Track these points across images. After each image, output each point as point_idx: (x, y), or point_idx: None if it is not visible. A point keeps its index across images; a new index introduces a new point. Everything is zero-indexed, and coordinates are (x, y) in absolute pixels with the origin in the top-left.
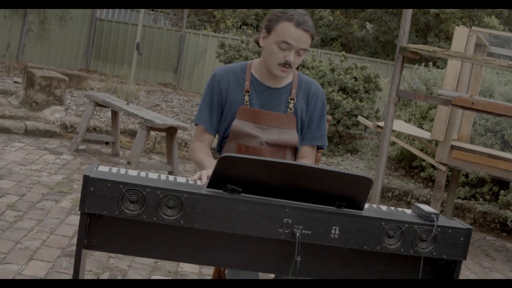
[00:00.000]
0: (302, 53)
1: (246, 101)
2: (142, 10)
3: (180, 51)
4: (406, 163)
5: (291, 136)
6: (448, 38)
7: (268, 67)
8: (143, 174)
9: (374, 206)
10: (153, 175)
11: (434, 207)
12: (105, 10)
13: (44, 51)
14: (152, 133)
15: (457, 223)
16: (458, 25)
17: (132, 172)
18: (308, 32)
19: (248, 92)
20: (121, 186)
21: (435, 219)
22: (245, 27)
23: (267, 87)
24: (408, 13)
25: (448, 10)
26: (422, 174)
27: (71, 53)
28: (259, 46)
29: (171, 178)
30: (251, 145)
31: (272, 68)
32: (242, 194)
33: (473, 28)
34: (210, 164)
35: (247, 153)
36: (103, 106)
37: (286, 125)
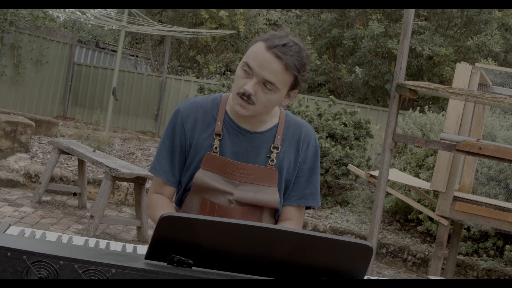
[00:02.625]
0: (269, 88)
1: (216, 148)
2: (119, 54)
3: (160, 97)
4: (401, 216)
5: (270, 195)
6: (442, 82)
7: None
8: (65, 238)
9: (372, 278)
10: (79, 240)
11: (435, 265)
12: (83, 54)
13: (18, 97)
14: (124, 183)
15: None
16: (452, 68)
17: (51, 237)
18: (279, 60)
19: (219, 135)
20: (24, 256)
21: None
22: (228, 73)
23: (245, 131)
24: (404, 46)
25: (442, 52)
26: (419, 228)
27: (47, 99)
28: None
29: (103, 244)
30: (218, 202)
31: (233, 100)
32: (193, 268)
33: (476, 64)
34: None
35: (212, 211)
36: (68, 154)
37: (265, 182)
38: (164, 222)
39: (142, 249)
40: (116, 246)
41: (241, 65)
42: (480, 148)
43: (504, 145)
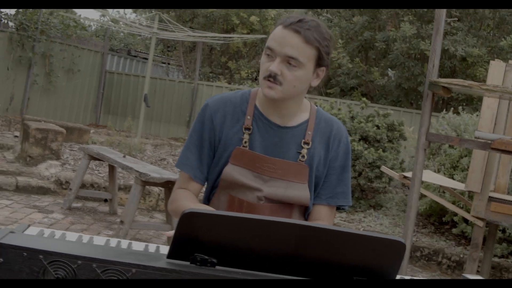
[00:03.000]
0: (293, 64)
1: (245, 142)
2: (150, 61)
3: (192, 103)
4: (436, 219)
5: (300, 192)
6: None
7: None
8: (86, 238)
9: (407, 278)
10: (100, 240)
11: (470, 268)
12: (114, 62)
13: (50, 105)
14: (155, 189)
15: None
16: (485, 69)
17: (71, 237)
18: (298, 34)
19: (248, 130)
20: (41, 256)
21: None
22: None
23: (275, 125)
24: (437, 44)
25: (475, 53)
26: (453, 230)
27: (80, 107)
28: None
29: (125, 244)
30: (246, 199)
31: (261, 86)
32: (217, 267)
33: (510, 62)
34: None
35: (240, 209)
36: (98, 160)
37: (295, 178)
38: (186, 219)
39: (165, 249)
40: (138, 246)
41: (264, 52)
42: None
43: None
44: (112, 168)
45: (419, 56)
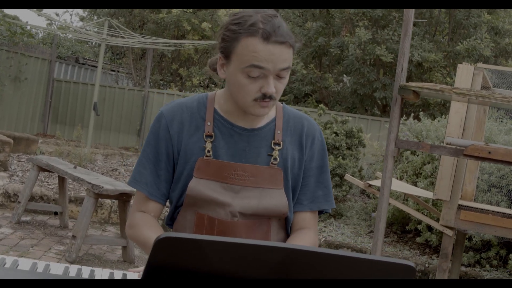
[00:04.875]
0: (284, 74)
1: (208, 151)
2: (99, 69)
3: (143, 112)
4: (398, 227)
5: (276, 200)
6: None
7: (241, 106)
8: (41, 266)
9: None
10: (57, 268)
11: (441, 278)
12: (62, 70)
13: None
14: (108, 201)
15: None
16: (441, 74)
17: (24, 264)
18: (284, 44)
19: (210, 137)
20: None
21: None
22: (212, 85)
23: (240, 129)
24: (405, 46)
25: (431, 58)
26: (417, 239)
27: (27, 116)
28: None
29: (87, 272)
30: (218, 216)
31: (247, 107)
32: None
33: (478, 65)
34: None
35: (210, 228)
36: (48, 171)
37: (270, 184)
38: (161, 245)
39: (133, 276)
40: (102, 273)
41: (243, 71)
42: (489, 153)
43: None
44: (62, 180)
45: (374, 62)
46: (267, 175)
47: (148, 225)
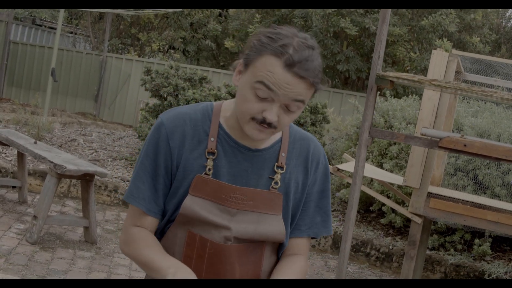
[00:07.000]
0: (294, 108)
1: (209, 169)
2: (58, 32)
3: (101, 77)
4: (362, 206)
5: (274, 227)
6: (395, 63)
7: (239, 120)
8: None
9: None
10: None
11: (408, 265)
12: (19, 32)
13: None
14: None
15: None
16: (405, 49)
17: None
18: (304, 80)
19: (213, 154)
20: None
21: None
22: (172, 51)
23: (244, 148)
24: (383, 33)
25: (395, 32)
26: (382, 220)
27: None
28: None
29: None
30: (211, 238)
31: (244, 124)
32: None
33: (453, 51)
34: (167, 263)
35: (202, 249)
36: (7, 145)
37: (268, 209)
38: None
39: None
40: None
41: (252, 86)
42: (465, 145)
43: (490, 141)
44: (21, 155)
45: (338, 34)
46: (267, 200)
47: (147, 243)
